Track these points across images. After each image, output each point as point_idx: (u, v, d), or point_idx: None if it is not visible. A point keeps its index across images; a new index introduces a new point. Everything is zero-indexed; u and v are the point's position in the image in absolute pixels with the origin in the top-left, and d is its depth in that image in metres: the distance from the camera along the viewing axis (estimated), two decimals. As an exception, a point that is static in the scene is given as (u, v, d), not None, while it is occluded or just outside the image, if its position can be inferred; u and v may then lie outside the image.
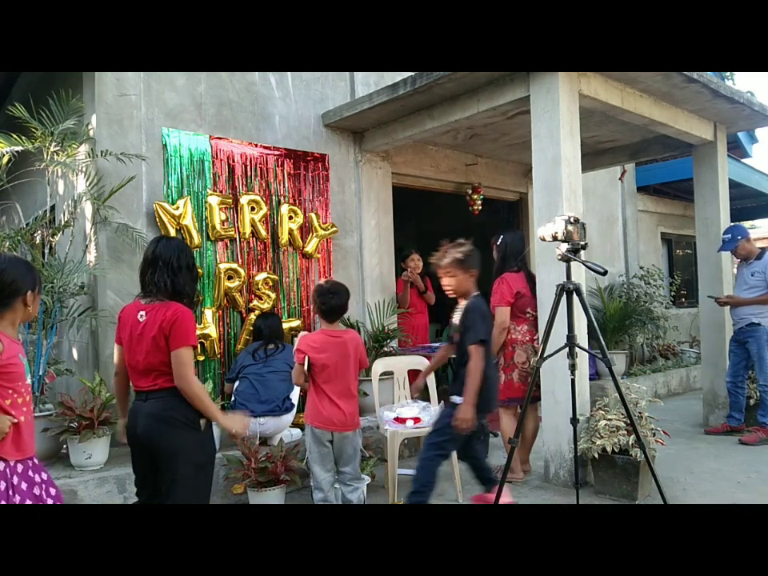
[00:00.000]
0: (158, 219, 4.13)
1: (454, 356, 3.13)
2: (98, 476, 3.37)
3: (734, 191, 6.88)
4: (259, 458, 3.41)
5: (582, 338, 3.55)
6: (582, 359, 3.50)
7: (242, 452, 3.49)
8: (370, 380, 4.08)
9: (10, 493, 1.89)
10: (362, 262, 5.42)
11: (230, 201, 4.49)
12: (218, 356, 4.41)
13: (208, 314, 4.35)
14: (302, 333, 4.48)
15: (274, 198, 4.78)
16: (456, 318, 2.98)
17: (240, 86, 4.68)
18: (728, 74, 11.83)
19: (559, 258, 3.09)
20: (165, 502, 2.29)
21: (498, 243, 4.15)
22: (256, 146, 4.72)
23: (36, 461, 2.04)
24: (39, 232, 3.98)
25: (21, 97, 4.68)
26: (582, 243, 3.08)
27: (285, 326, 4.60)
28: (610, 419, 3.62)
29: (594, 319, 3.16)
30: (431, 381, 4.14)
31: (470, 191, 6.38)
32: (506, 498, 3.03)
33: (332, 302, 3.07)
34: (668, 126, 4.97)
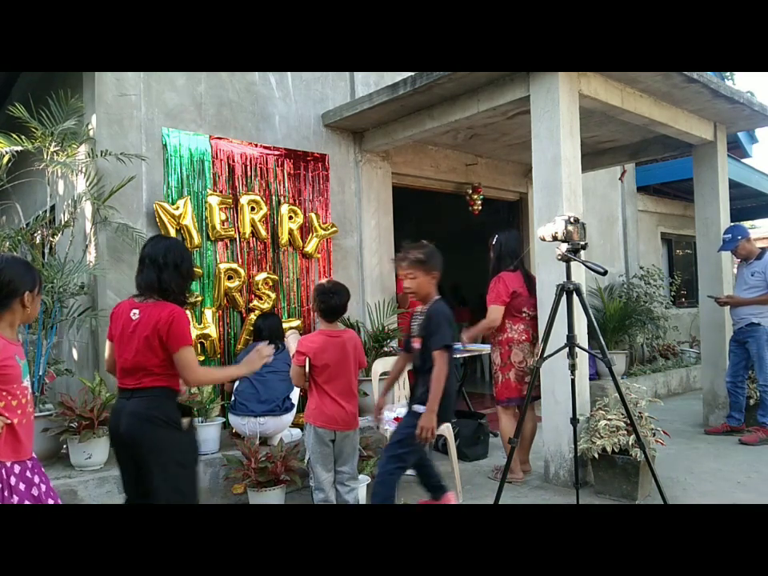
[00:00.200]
0: (158, 219, 4.13)
1: (413, 364, 2.94)
2: (98, 476, 3.37)
3: (734, 191, 6.88)
4: (259, 457, 3.41)
5: (582, 337, 3.55)
6: (582, 359, 3.50)
7: (242, 452, 3.49)
8: (370, 380, 4.08)
9: (6, 494, 1.88)
10: (362, 261, 5.42)
11: (230, 201, 4.49)
12: (218, 356, 4.41)
13: (208, 313, 4.35)
14: (291, 332, 4.49)
15: (273, 198, 4.78)
16: (416, 323, 2.85)
17: (240, 86, 4.68)
18: (728, 74, 11.83)
19: (559, 258, 3.09)
20: (150, 501, 2.28)
21: (494, 243, 4.15)
22: (256, 146, 4.72)
23: (30, 463, 2.02)
24: (39, 232, 3.98)
25: (21, 97, 4.69)
26: (582, 243, 3.08)
27: (285, 326, 4.60)
28: (610, 419, 3.62)
29: (593, 319, 3.16)
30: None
31: (470, 191, 6.39)
32: (450, 499, 2.99)
33: (332, 301, 3.07)
34: (668, 126, 4.97)
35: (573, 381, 3.19)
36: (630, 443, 3.45)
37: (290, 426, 4.09)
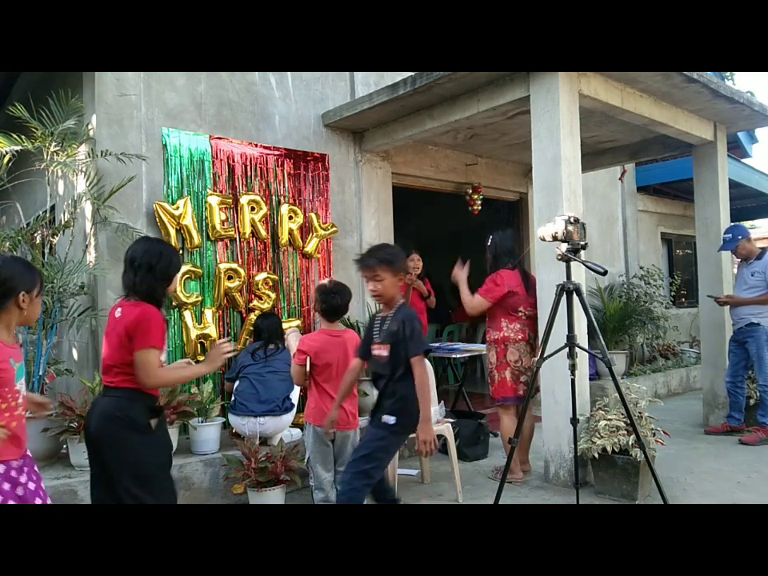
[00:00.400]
0: (157, 219, 4.13)
1: (374, 372, 2.70)
2: (98, 476, 3.37)
3: (734, 191, 6.88)
4: (259, 457, 3.41)
5: (582, 337, 3.55)
6: (582, 359, 3.50)
7: (242, 452, 3.49)
8: (370, 380, 4.08)
9: None
10: (362, 262, 5.41)
11: (230, 201, 4.49)
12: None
13: (208, 313, 4.35)
14: (292, 330, 4.49)
15: (274, 198, 4.78)
16: (379, 329, 2.65)
17: (240, 86, 4.68)
18: (728, 74, 11.83)
19: (559, 258, 3.09)
20: (111, 502, 2.29)
21: (489, 244, 4.15)
22: (256, 146, 4.72)
23: (17, 463, 2.02)
24: (39, 232, 3.99)
25: (21, 97, 4.69)
26: (582, 243, 3.08)
27: (285, 326, 4.60)
28: (610, 419, 3.62)
29: (593, 319, 3.16)
30: (431, 380, 4.14)
31: (470, 191, 6.39)
32: None
33: (334, 301, 3.07)
34: (668, 126, 4.97)
35: (573, 381, 3.19)
36: (630, 443, 3.45)
37: (290, 426, 4.09)
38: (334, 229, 5.10)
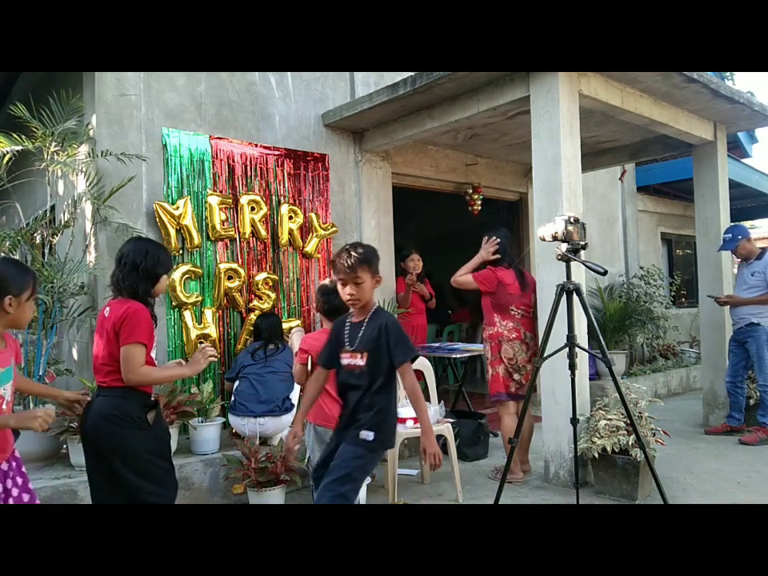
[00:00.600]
0: (158, 219, 4.13)
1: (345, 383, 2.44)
2: (98, 476, 3.37)
3: (734, 191, 6.88)
4: (259, 458, 3.41)
5: (582, 337, 3.55)
6: (582, 359, 3.50)
7: (242, 452, 3.49)
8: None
9: None
10: (362, 261, 5.40)
11: (230, 201, 4.49)
12: (218, 356, 4.41)
13: (208, 313, 4.35)
14: (295, 330, 4.49)
15: (274, 197, 4.78)
16: (352, 335, 2.41)
17: (240, 86, 4.68)
18: (728, 74, 11.83)
19: (559, 257, 3.09)
20: (126, 497, 2.33)
21: (497, 241, 4.12)
22: (256, 146, 4.72)
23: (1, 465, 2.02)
24: (39, 232, 3.99)
25: (21, 96, 4.68)
26: (582, 243, 3.08)
27: (285, 326, 4.60)
28: (610, 419, 3.62)
29: (593, 319, 3.16)
30: (431, 380, 4.15)
31: (470, 191, 6.39)
32: None
33: (336, 301, 3.07)
34: (668, 126, 4.97)
35: (573, 381, 3.19)
36: (630, 443, 3.45)
37: (290, 426, 4.09)
38: (334, 229, 5.10)
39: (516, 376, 3.98)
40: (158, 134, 4.24)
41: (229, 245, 4.52)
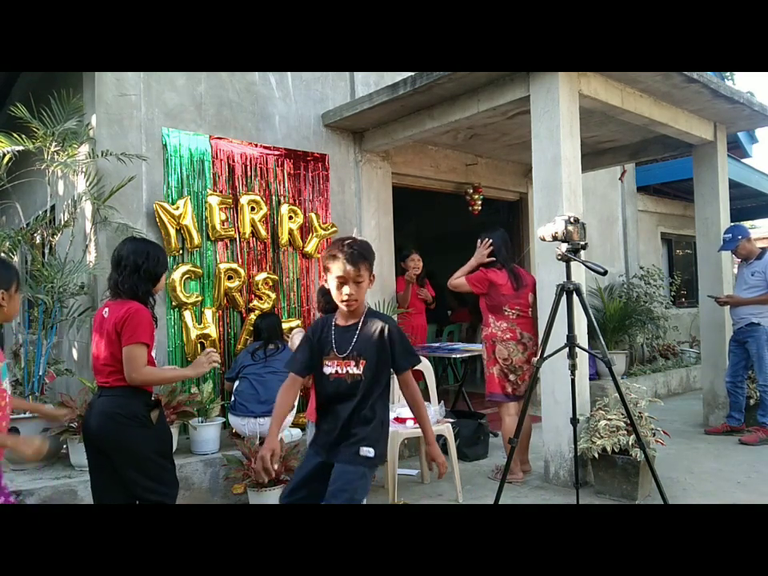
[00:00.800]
0: (157, 219, 4.13)
1: (338, 392, 2.19)
2: (98, 476, 3.37)
3: (734, 191, 6.88)
4: (259, 458, 3.40)
5: (582, 337, 3.55)
6: (582, 359, 3.50)
7: (242, 452, 3.49)
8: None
9: None
10: (362, 261, 5.40)
11: (230, 201, 4.49)
12: (220, 361, 4.40)
13: (208, 313, 4.35)
14: (296, 330, 4.49)
15: (274, 197, 4.78)
16: (344, 340, 2.16)
17: (240, 86, 4.68)
18: (728, 74, 11.83)
19: (559, 257, 3.09)
20: (129, 498, 2.35)
21: (490, 243, 4.12)
22: (256, 146, 4.72)
23: None
24: (39, 232, 3.99)
25: (21, 96, 4.69)
26: (582, 243, 3.08)
27: (285, 326, 4.60)
28: (610, 419, 3.62)
29: (593, 319, 3.16)
30: (431, 380, 4.15)
31: (471, 191, 6.39)
32: None
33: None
34: (668, 126, 4.97)
35: (573, 381, 3.19)
36: (630, 443, 3.45)
37: (290, 426, 4.09)
38: (334, 229, 5.10)
39: (512, 377, 3.99)
40: (157, 134, 4.23)
41: (229, 245, 4.52)
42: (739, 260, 5.18)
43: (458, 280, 4.14)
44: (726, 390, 5.16)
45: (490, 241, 4.10)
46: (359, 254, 2.09)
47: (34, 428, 3.49)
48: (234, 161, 4.57)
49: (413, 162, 5.89)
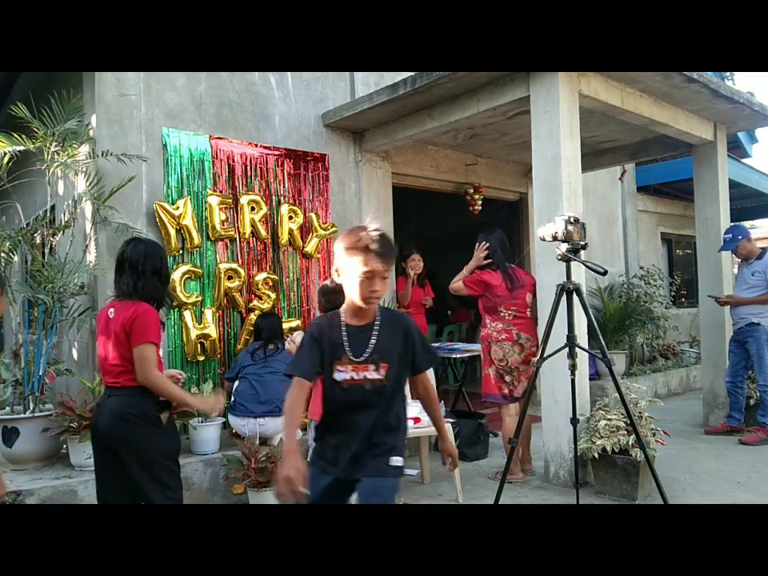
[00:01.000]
0: (157, 219, 4.13)
1: (359, 399, 1.92)
2: (98, 476, 3.37)
3: (734, 191, 6.88)
4: (259, 458, 3.41)
5: (582, 337, 3.55)
6: (582, 359, 3.50)
7: (242, 452, 3.49)
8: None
9: None
10: (362, 261, 5.40)
11: (230, 201, 4.49)
12: (218, 356, 4.41)
13: (208, 313, 4.35)
14: (298, 333, 4.49)
15: (274, 197, 4.78)
16: (359, 341, 1.92)
17: (240, 86, 4.68)
18: (728, 74, 11.83)
19: (559, 258, 3.10)
20: (133, 498, 2.35)
21: (488, 248, 4.12)
22: (256, 146, 4.72)
23: None
24: (39, 232, 3.98)
25: (21, 96, 4.68)
26: (582, 243, 3.08)
27: (285, 326, 4.60)
28: (610, 419, 3.63)
29: (593, 319, 3.16)
30: (432, 380, 4.15)
31: (471, 191, 6.39)
32: None
33: (337, 301, 3.08)
34: (668, 126, 4.97)
35: (573, 381, 3.19)
36: (630, 443, 3.45)
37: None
38: (334, 229, 5.10)
39: (507, 378, 3.99)
40: (158, 134, 4.23)
41: (229, 245, 4.52)
42: (739, 260, 5.18)
43: (457, 284, 4.16)
44: (726, 390, 5.16)
45: (486, 244, 4.11)
46: (390, 248, 1.89)
47: (34, 428, 3.50)
48: (234, 161, 4.57)
49: (413, 162, 5.89)
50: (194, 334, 4.25)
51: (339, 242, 1.88)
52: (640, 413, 3.65)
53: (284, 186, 4.86)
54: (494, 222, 5.15)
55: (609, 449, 3.51)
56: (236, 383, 4.01)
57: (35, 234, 3.98)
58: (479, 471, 4.31)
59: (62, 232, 3.99)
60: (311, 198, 5.03)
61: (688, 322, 9.07)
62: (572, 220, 3.07)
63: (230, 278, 4.45)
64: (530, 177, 6.05)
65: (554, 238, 3.09)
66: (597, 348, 3.25)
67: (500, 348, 3.99)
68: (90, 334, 4.12)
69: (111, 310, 2.42)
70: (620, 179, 8.14)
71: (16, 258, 4.06)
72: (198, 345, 4.27)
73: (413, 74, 4.37)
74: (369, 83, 5.46)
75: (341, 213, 5.26)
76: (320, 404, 3.06)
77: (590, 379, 4.56)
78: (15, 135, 3.78)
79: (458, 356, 5.24)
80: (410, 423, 3.65)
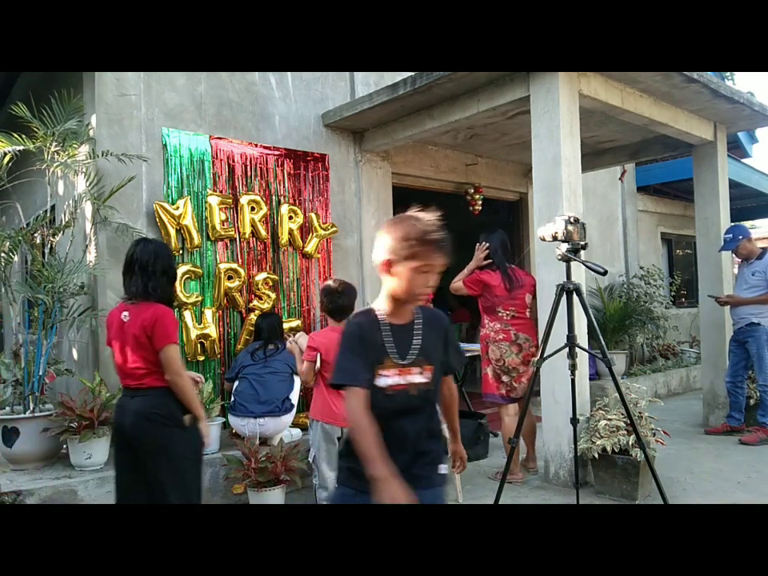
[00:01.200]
0: (157, 219, 4.13)
1: (406, 406, 1.71)
2: (98, 476, 3.37)
3: (734, 191, 6.88)
4: (259, 458, 3.41)
5: (582, 337, 3.55)
6: (582, 359, 3.50)
7: (242, 452, 3.49)
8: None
9: None
10: (362, 261, 5.41)
11: (230, 201, 4.49)
12: (218, 356, 4.41)
13: (208, 313, 4.35)
14: (300, 334, 4.50)
15: (274, 197, 4.78)
16: (403, 342, 1.73)
17: (240, 86, 4.68)
18: (728, 74, 11.83)
19: (559, 258, 3.09)
20: (153, 498, 2.35)
21: (489, 249, 4.12)
22: (256, 146, 4.72)
23: None
24: (39, 232, 3.98)
25: (21, 96, 4.68)
26: (582, 243, 3.08)
27: (285, 326, 4.60)
28: (610, 419, 3.62)
29: (593, 319, 3.16)
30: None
31: (472, 191, 6.39)
32: None
33: (340, 301, 3.09)
34: (668, 126, 4.97)
35: (573, 381, 3.19)
36: (630, 443, 3.45)
37: (290, 426, 4.09)
38: (334, 229, 5.10)
39: (505, 378, 3.99)
40: (157, 134, 4.23)
41: (229, 245, 4.52)
42: (740, 260, 5.18)
43: (457, 284, 4.18)
44: (726, 390, 5.16)
45: (486, 244, 4.12)
46: (448, 242, 1.81)
47: (34, 428, 3.50)
48: (234, 161, 4.57)
49: (413, 162, 5.89)
50: (193, 334, 4.25)
51: (393, 231, 1.71)
52: (640, 413, 3.65)
53: (284, 186, 4.86)
54: (494, 222, 5.15)
55: (609, 449, 3.51)
56: (236, 383, 4.01)
57: (35, 234, 3.98)
58: (479, 471, 4.31)
59: (61, 232, 3.99)
60: (311, 197, 5.03)
61: (688, 322, 9.07)
62: (572, 220, 3.07)
63: (230, 278, 4.45)
64: (529, 177, 6.04)
65: (554, 238, 3.09)
66: (597, 348, 3.25)
67: (497, 348, 4.00)
68: (89, 334, 4.12)
69: (125, 313, 2.40)
70: (620, 179, 8.13)
71: (16, 258, 4.06)
72: (198, 345, 4.27)
73: (413, 74, 4.37)
74: (369, 83, 5.46)
75: (341, 213, 5.27)
76: (321, 404, 3.08)
77: (590, 379, 4.56)
78: (15, 135, 3.78)
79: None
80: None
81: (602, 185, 7.88)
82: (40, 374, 3.67)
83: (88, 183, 3.89)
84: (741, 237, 5.00)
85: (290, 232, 4.80)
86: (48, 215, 4.22)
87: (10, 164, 3.87)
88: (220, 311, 4.45)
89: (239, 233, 4.53)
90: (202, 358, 4.30)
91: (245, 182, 4.62)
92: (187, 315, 4.24)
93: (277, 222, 4.76)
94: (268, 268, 4.73)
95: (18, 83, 5.60)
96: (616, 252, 8.17)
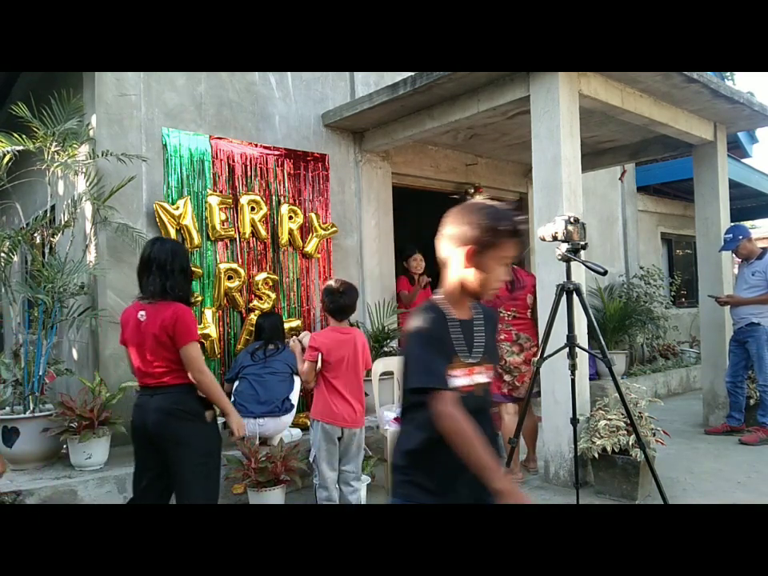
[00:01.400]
0: (158, 219, 4.12)
1: (480, 406, 1.64)
2: (98, 476, 3.37)
3: (734, 191, 6.88)
4: (259, 458, 3.41)
5: (582, 337, 3.55)
6: (582, 359, 3.50)
7: (242, 452, 3.49)
8: (370, 380, 4.08)
9: None
10: (362, 261, 5.42)
11: (230, 201, 4.49)
12: (218, 356, 4.41)
13: (208, 313, 4.35)
14: (304, 334, 4.50)
15: (274, 197, 4.78)
16: (474, 340, 1.61)
17: (240, 86, 4.68)
18: (728, 74, 11.83)
19: (559, 258, 3.09)
20: (172, 492, 2.39)
21: None
22: (256, 146, 4.72)
23: None
24: (39, 232, 3.98)
25: (21, 96, 4.68)
26: (582, 243, 3.08)
27: (285, 326, 4.60)
28: (610, 419, 3.62)
29: (593, 319, 3.16)
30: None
31: (473, 191, 6.38)
32: None
33: (341, 301, 3.09)
34: (668, 126, 4.97)
35: (573, 381, 3.19)
36: (630, 443, 3.45)
37: (290, 426, 4.09)
38: (334, 229, 5.10)
39: (507, 377, 3.98)
40: (158, 134, 4.23)
41: (229, 245, 4.52)
42: (740, 260, 5.18)
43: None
44: (726, 390, 5.16)
45: None
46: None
47: (34, 428, 3.50)
48: (234, 161, 4.57)
49: (413, 162, 5.89)
50: (194, 334, 4.24)
51: (477, 218, 1.52)
52: (640, 413, 3.65)
53: (284, 186, 4.86)
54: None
55: (609, 449, 3.51)
56: (236, 383, 4.00)
57: (35, 234, 3.98)
58: (479, 471, 4.30)
59: (61, 232, 4.00)
60: (311, 197, 5.03)
61: (688, 322, 9.07)
62: (572, 220, 3.07)
63: (229, 278, 4.45)
64: (529, 177, 6.04)
65: (554, 238, 3.09)
66: (597, 348, 3.25)
67: (498, 348, 4.00)
68: (89, 334, 4.12)
69: (142, 312, 2.40)
70: (620, 179, 8.14)
71: (16, 258, 4.06)
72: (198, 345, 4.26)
73: (413, 74, 4.37)
74: (369, 83, 5.46)
75: (341, 213, 5.27)
76: (322, 404, 3.07)
77: (590, 379, 4.56)
78: (15, 135, 3.77)
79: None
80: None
81: (602, 185, 7.88)
82: (40, 373, 3.67)
83: (88, 183, 3.89)
84: (741, 237, 5.00)
85: (290, 232, 4.80)
86: (48, 215, 4.22)
87: (9, 164, 3.87)
88: (220, 311, 4.45)
89: (239, 233, 4.53)
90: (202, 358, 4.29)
91: (245, 182, 4.62)
92: (187, 315, 4.24)
93: (277, 222, 4.76)
94: (268, 268, 4.73)
95: (18, 83, 5.60)
96: (616, 252, 8.17)
